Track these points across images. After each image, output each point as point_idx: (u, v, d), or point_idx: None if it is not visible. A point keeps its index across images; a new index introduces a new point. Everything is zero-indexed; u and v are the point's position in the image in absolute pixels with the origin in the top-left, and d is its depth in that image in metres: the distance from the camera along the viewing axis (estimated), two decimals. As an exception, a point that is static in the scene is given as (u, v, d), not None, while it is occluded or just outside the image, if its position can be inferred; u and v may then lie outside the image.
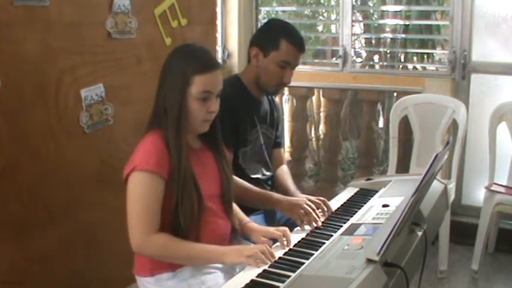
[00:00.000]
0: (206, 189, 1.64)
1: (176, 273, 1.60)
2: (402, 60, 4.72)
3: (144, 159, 1.56)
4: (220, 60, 3.78)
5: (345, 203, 1.96)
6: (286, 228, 1.64)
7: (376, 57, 4.97)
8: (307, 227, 1.75)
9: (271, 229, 1.67)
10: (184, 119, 1.60)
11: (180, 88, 1.59)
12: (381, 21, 4.56)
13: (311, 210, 1.79)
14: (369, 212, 1.76)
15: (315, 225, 1.74)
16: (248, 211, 2.04)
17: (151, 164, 1.55)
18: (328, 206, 1.89)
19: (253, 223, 1.77)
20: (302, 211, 1.80)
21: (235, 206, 1.80)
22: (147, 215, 1.55)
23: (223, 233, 1.69)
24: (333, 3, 5.47)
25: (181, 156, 1.58)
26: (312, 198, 1.92)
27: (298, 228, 1.77)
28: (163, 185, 1.57)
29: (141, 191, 1.55)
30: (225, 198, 1.73)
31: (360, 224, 1.65)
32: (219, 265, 1.62)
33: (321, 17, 5.42)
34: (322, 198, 1.92)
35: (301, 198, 1.90)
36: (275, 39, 2.04)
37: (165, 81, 1.64)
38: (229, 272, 1.63)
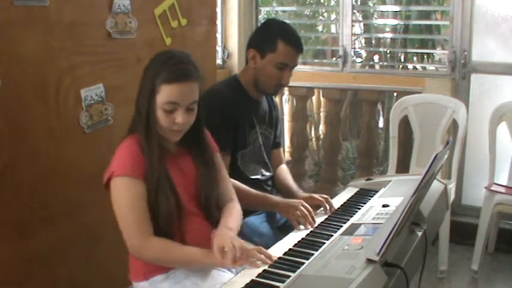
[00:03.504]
0: (185, 194, 1.64)
1: (169, 274, 1.60)
2: (402, 60, 4.72)
3: (121, 165, 1.56)
4: (220, 61, 3.78)
5: (345, 203, 1.96)
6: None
7: (376, 57, 4.97)
8: (302, 228, 1.76)
9: (236, 242, 1.49)
10: (152, 125, 1.59)
11: (147, 95, 1.58)
12: (381, 21, 4.56)
13: (307, 213, 1.79)
14: (369, 212, 1.76)
15: (309, 227, 1.74)
16: (249, 211, 2.05)
17: (128, 168, 1.55)
18: (330, 204, 1.92)
19: (225, 230, 1.59)
20: (298, 213, 1.80)
21: (228, 212, 1.72)
22: (140, 218, 1.55)
23: (207, 236, 1.62)
24: (332, 3, 5.47)
25: (152, 160, 1.57)
26: (315, 196, 1.96)
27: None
28: (145, 187, 1.57)
29: (126, 196, 1.56)
30: (204, 202, 1.68)
31: (360, 224, 1.65)
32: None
33: (321, 17, 5.42)
34: (325, 196, 1.95)
35: (298, 200, 1.90)
36: (272, 40, 2.02)
37: (140, 86, 1.63)
38: (223, 272, 1.62)
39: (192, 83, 1.58)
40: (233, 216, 1.70)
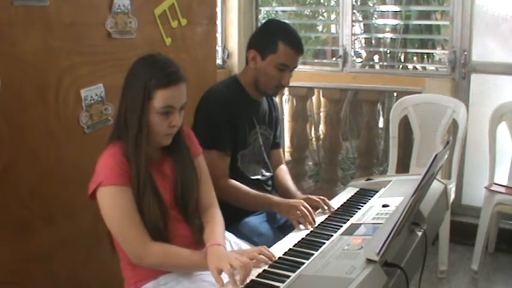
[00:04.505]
0: (170, 200, 1.64)
1: (159, 280, 1.60)
2: (402, 60, 4.72)
3: (109, 174, 1.55)
4: (220, 61, 3.78)
5: (345, 203, 1.96)
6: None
7: (376, 57, 4.97)
8: (303, 227, 1.76)
9: (231, 257, 1.44)
10: (144, 132, 1.57)
11: (141, 102, 1.55)
12: (381, 21, 4.56)
13: (307, 213, 1.80)
14: (369, 212, 1.76)
15: (310, 227, 1.75)
16: (249, 212, 2.05)
17: (115, 177, 1.54)
18: (328, 205, 1.91)
19: (216, 248, 1.54)
20: (298, 213, 1.81)
21: (216, 222, 1.69)
22: (135, 225, 1.55)
23: (188, 242, 1.64)
24: (333, 3, 5.47)
25: (140, 168, 1.56)
26: (313, 197, 1.95)
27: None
28: (132, 194, 1.56)
29: (119, 205, 1.55)
30: (183, 203, 1.67)
31: (360, 224, 1.65)
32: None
33: (320, 17, 5.42)
34: (322, 197, 1.94)
35: (298, 200, 1.90)
36: (273, 41, 2.01)
37: (126, 92, 1.61)
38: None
39: (183, 84, 1.59)
40: (218, 226, 1.68)
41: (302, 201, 1.87)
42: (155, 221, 1.57)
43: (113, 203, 1.55)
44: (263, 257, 1.47)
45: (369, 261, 1.30)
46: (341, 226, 1.70)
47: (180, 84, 1.57)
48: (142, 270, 1.60)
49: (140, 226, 1.55)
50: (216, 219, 1.70)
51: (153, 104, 1.56)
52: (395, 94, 3.98)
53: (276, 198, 1.99)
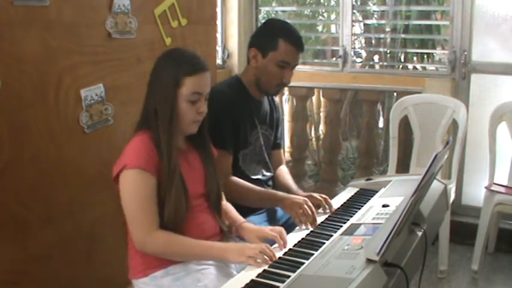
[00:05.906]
0: (192, 189, 1.67)
1: (168, 270, 1.62)
2: (402, 60, 4.72)
3: (134, 157, 1.59)
4: (220, 61, 3.78)
5: (345, 203, 1.96)
6: (282, 229, 1.65)
7: (376, 57, 4.96)
8: (304, 227, 1.77)
9: (266, 229, 1.68)
10: (175, 121, 1.63)
11: (171, 90, 1.63)
12: (381, 21, 4.56)
13: (310, 212, 1.80)
14: (369, 212, 1.76)
15: (310, 227, 1.76)
16: (249, 211, 2.05)
17: (141, 161, 1.58)
18: (329, 204, 1.92)
19: (248, 223, 1.77)
20: (301, 211, 1.81)
21: (230, 207, 1.84)
22: (147, 211, 1.58)
23: (209, 230, 1.71)
24: (333, 3, 5.47)
25: (171, 156, 1.61)
26: (315, 194, 1.96)
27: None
28: (155, 182, 1.60)
29: (136, 188, 1.58)
30: (210, 196, 1.75)
31: (360, 224, 1.65)
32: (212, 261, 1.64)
33: (320, 17, 5.42)
34: (324, 196, 1.95)
35: (302, 198, 1.91)
36: (273, 39, 2.03)
37: (155, 83, 1.67)
38: (223, 268, 1.64)
39: (208, 73, 1.68)
40: (233, 210, 1.84)
41: (306, 199, 1.88)
42: (179, 210, 1.61)
43: (132, 184, 1.59)
44: (265, 257, 1.48)
45: (369, 261, 1.30)
46: (341, 226, 1.70)
47: (206, 73, 1.67)
48: (152, 258, 1.62)
49: (152, 214, 1.58)
50: (228, 206, 1.84)
51: (182, 92, 1.63)
52: (395, 94, 3.98)
53: (280, 193, 2.00)
